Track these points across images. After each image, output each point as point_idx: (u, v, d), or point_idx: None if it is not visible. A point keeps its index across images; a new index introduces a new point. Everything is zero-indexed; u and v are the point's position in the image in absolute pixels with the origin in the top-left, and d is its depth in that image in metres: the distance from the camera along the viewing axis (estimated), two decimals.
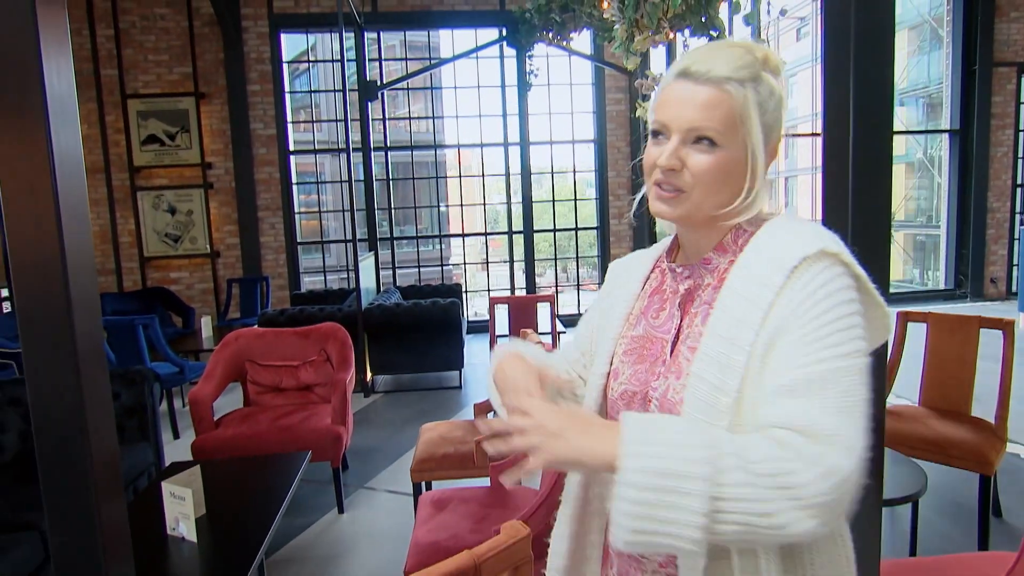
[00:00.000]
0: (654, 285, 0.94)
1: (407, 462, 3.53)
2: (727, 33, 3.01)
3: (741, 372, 0.75)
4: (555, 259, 7.90)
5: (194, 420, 3.23)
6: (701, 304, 0.85)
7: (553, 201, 7.82)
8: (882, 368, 1.35)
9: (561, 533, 0.95)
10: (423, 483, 2.73)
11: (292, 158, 7.30)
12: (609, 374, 0.92)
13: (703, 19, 2.88)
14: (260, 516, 2.24)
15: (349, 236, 5.55)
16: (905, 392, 3.95)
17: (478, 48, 6.71)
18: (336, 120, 7.70)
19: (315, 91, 8.44)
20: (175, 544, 2.08)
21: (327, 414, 3.31)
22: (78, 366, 1.06)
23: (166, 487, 2.15)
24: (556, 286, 7.92)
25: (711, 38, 2.87)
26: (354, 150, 5.49)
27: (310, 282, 7.92)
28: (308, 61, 8.31)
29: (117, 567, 1.20)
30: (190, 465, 2.48)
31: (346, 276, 7.92)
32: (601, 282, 7.57)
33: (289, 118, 7.22)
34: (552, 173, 7.71)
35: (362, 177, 6.94)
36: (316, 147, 8.17)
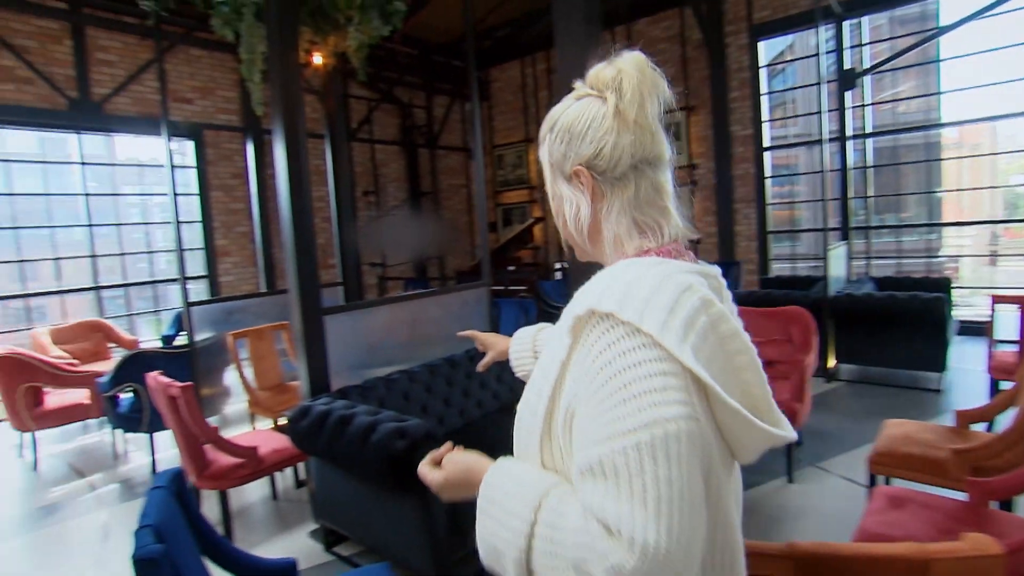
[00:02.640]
0: None
1: (862, 452, 3.47)
2: None
3: (539, 432, 0.75)
4: None
5: None
6: None
7: None
8: None
9: None
10: (879, 477, 2.62)
11: (766, 154, 7.47)
12: None
13: None
14: None
15: (821, 225, 5.42)
16: None
17: (986, 8, 5.47)
18: (811, 113, 7.47)
19: (790, 88, 8.32)
20: None
21: (786, 390, 3.53)
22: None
23: None
24: None
25: None
26: (832, 140, 5.33)
27: (779, 268, 7.99)
28: (784, 62, 8.25)
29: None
30: None
31: (815, 264, 7.68)
32: None
33: (764, 117, 7.40)
34: None
35: (839, 166, 6.60)
36: (791, 141, 8.10)
